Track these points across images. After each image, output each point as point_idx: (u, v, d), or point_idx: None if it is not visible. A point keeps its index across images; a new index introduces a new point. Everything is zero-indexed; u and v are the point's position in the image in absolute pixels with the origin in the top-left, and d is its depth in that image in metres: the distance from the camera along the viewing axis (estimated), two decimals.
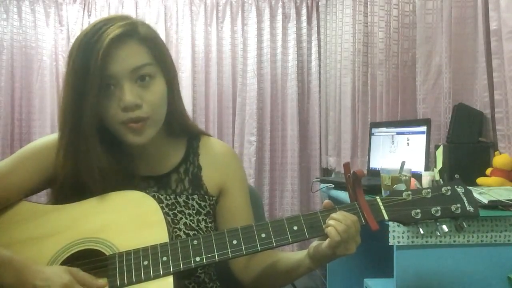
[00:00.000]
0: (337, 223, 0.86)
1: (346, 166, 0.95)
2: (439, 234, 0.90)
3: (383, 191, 1.61)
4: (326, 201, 0.94)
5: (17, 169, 0.96)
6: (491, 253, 1.32)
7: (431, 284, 1.32)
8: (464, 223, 0.90)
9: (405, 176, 1.57)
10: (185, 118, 1.06)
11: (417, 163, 2.02)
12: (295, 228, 0.89)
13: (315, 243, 0.93)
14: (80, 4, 3.88)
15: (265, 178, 3.94)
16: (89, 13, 3.90)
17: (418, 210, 0.89)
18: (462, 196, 0.91)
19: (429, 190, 0.91)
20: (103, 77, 0.89)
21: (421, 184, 1.81)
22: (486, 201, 1.35)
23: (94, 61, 0.87)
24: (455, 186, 0.92)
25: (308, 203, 3.97)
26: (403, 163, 1.61)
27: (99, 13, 3.87)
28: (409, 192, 0.91)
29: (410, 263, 1.32)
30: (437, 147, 1.91)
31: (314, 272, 3.40)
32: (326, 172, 3.90)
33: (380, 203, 0.91)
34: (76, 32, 3.86)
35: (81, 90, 0.89)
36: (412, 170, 1.67)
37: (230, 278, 1.08)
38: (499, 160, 1.67)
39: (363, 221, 0.89)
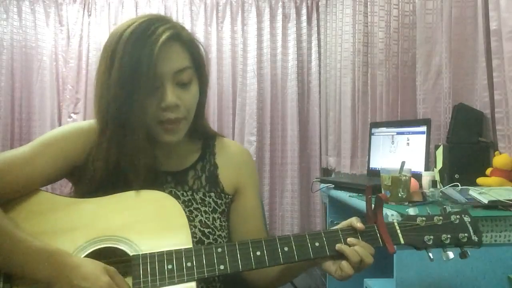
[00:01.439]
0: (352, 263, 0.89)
1: (369, 188, 0.99)
2: (444, 259, 0.94)
3: (383, 191, 1.61)
4: (355, 222, 0.93)
5: (40, 155, 0.94)
6: (491, 253, 1.32)
7: (431, 284, 1.32)
8: (468, 252, 0.95)
9: (405, 176, 1.57)
10: (206, 121, 1.10)
11: (417, 163, 2.02)
12: (317, 244, 0.90)
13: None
14: (80, 4, 3.89)
15: (265, 178, 3.94)
16: (89, 13, 3.90)
17: (431, 237, 0.94)
18: (469, 225, 0.96)
19: (440, 217, 0.96)
20: (153, 77, 0.90)
21: (420, 184, 1.81)
22: (486, 201, 1.35)
23: (148, 60, 0.88)
24: (463, 215, 0.97)
25: (308, 203, 3.97)
26: (403, 163, 1.61)
27: (99, 13, 3.87)
28: (423, 218, 0.96)
29: (410, 263, 1.32)
30: (437, 147, 1.91)
31: (314, 272, 3.41)
32: (326, 172, 3.89)
33: (397, 227, 0.94)
34: (76, 32, 3.86)
35: (131, 86, 0.89)
36: (412, 170, 1.67)
37: (235, 279, 1.08)
38: (499, 160, 1.67)
39: (381, 243, 0.92)
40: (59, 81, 3.88)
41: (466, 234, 0.94)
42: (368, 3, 2.82)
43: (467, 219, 0.96)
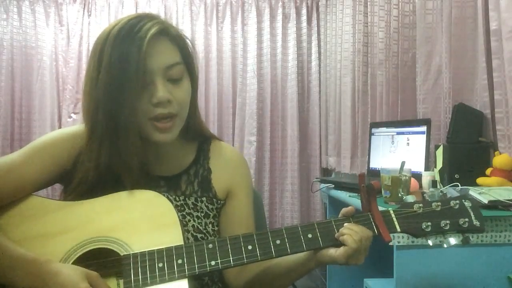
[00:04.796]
0: (353, 232, 0.87)
1: (362, 176, 0.97)
2: (445, 246, 0.91)
3: (383, 191, 1.61)
4: (346, 208, 0.93)
5: (31, 160, 0.95)
6: (491, 253, 1.32)
7: (431, 284, 1.33)
8: (470, 237, 0.92)
9: (405, 176, 1.57)
10: (200, 121, 1.08)
11: (417, 163, 2.03)
12: (310, 236, 0.89)
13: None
14: (80, 4, 3.89)
15: (265, 178, 3.94)
16: (89, 13, 3.90)
17: (429, 223, 0.91)
18: (470, 210, 0.92)
19: (439, 203, 0.93)
20: (143, 73, 0.89)
21: (420, 184, 1.81)
22: (486, 201, 1.35)
23: (136, 56, 0.87)
24: (463, 200, 0.94)
25: (308, 203, 3.97)
26: (403, 163, 1.61)
27: (99, 13, 3.87)
28: (420, 205, 0.93)
29: (410, 263, 1.32)
30: (437, 147, 1.91)
31: (314, 272, 3.41)
32: (326, 172, 3.90)
33: (393, 215, 0.92)
34: (76, 32, 3.86)
35: (121, 84, 0.88)
36: (412, 170, 1.67)
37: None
38: (499, 160, 1.67)
39: (376, 232, 0.90)
40: (59, 81, 3.88)
41: (466, 219, 0.91)
42: (368, 3, 2.81)
43: (467, 204, 0.93)
